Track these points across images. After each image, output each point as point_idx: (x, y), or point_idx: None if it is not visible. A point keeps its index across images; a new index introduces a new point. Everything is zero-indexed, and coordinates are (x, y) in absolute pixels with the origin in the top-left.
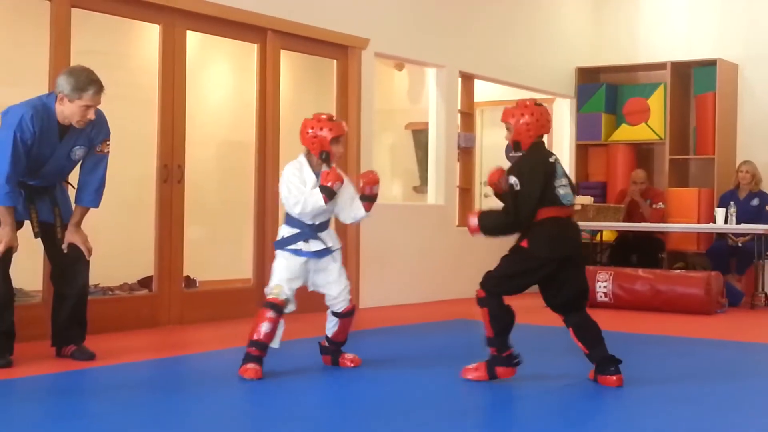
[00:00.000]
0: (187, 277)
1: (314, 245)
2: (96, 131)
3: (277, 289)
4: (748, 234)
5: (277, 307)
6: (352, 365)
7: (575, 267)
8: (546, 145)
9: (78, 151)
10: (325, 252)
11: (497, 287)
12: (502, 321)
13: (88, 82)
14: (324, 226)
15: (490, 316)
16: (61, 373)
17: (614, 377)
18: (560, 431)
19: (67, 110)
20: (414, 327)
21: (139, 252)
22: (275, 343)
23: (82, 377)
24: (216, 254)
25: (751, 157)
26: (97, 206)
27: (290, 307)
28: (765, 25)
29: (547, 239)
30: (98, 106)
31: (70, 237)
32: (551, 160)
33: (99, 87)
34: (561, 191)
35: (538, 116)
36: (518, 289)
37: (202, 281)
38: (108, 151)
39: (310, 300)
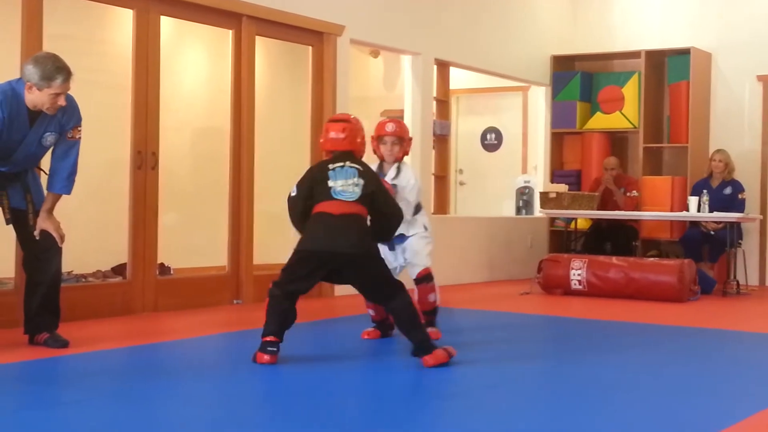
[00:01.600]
0: (162, 264)
1: None
2: (67, 117)
3: None
4: (720, 222)
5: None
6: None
7: (354, 264)
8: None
9: (49, 138)
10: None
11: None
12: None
13: (55, 69)
14: None
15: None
16: (34, 361)
17: (426, 357)
18: (541, 418)
19: (37, 98)
20: None
21: (113, 239)
22: None
23: (56, 365)
24: (191, 241)
25: (724, 146)
26: (69, 193)
27: None
28: (739, 14)
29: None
30: (70, 92)
31: (42, 224)
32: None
33: (67, 74)
34: (339, 188)
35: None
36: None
37: (176, 268)
38: (79, 137)
39: None
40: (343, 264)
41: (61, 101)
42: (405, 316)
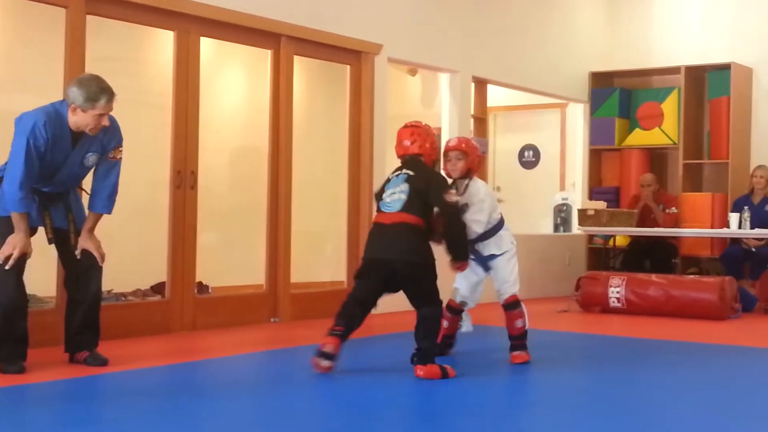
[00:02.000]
0: (200, 283)
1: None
2: (109, 137)
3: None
4: (762, 239)
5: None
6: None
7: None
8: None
9: (91, 158)
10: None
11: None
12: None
13: (99, 91)
14: (481, 237)
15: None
16: (74, 379)
17: (420, 366)
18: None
19: (81, 120)
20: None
21: (152, 258)
22: (467, 328)
23: (95, 383)
24: (229, 260)
25: (765, 162)
26: (110, 212)
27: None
28: None
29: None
30: (112, 113)
31: (83, 243)
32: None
33: (111, 95)
34: (387, 200)
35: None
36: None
37: (214, 287)
38: (121, 158)
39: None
40: (395, 270)
41: (105, 121)
42: (428, 324)
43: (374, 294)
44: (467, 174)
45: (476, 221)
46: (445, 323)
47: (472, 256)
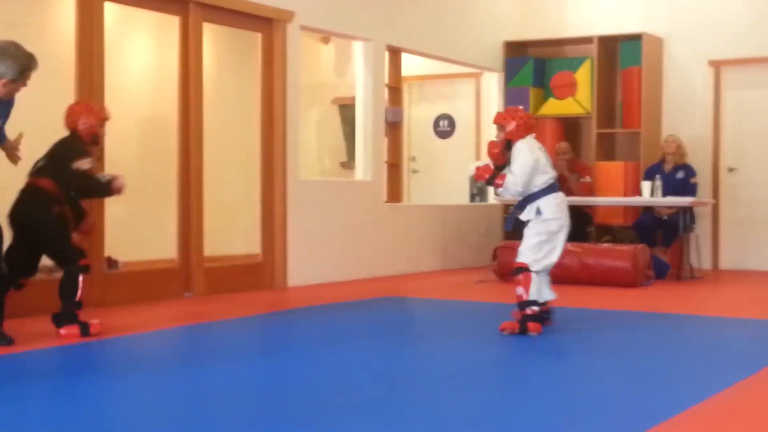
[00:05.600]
0: (109, 257)
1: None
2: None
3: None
4: (672, 207)
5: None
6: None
7: None
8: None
9: None
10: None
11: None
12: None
13: (30, 59)
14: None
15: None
16: None
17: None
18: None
19: (4, 90)
20: (342, 305)
21: None
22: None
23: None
24: (139, 234)
25: (676, 131)
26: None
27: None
28: None
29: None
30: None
31: None
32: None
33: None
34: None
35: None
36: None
37: (124, 262)
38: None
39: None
40: None
41: None
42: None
43: None
44: (507, 145)
45: (513, 183)
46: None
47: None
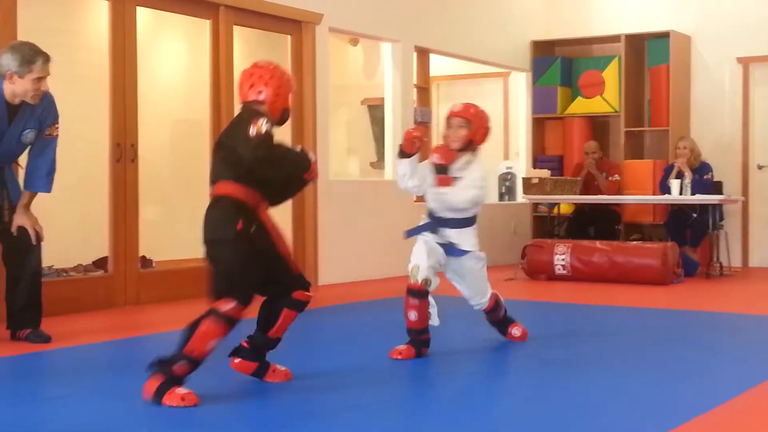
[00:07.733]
0: (143, 257)
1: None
2: (45, 113)
3: (414, 271)
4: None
5: (418, 292)
6: None
7: None
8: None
9: (29, 134)
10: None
11: None
12: None
13: (33, 53)
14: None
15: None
16: (17, 356)
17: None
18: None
19: (19, 87)
20: (373, 303)
21: (94, 232)
22: (434, 322)
23: (39, 360)
24: (172, 234)
25: (703, 129)
26: (49, 191)
27: (433, 285)
28: None
29: None
30: (47, 89)
31: (19, 220)
32: None
33: (46, 57)
34: None
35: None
36: None
37: (158, 261)
38: (57, 135)
39: None
40: None
41: (45, 86)
42: None
43: None
44: (469, 146)
45: (462, 199)
46: (413, 315)
47: (439, 240)
